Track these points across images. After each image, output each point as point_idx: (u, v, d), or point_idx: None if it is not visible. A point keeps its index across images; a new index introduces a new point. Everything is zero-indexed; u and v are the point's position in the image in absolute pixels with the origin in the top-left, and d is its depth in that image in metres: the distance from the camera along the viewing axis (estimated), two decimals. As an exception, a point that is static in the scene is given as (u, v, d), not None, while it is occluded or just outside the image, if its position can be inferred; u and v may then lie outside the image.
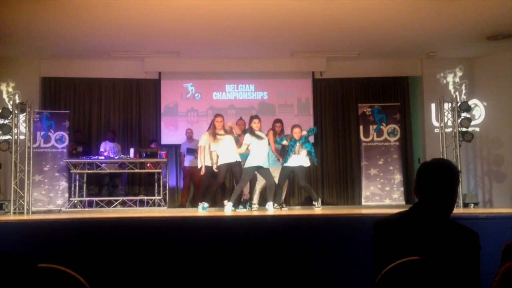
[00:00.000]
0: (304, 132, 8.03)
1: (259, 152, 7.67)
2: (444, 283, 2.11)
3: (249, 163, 7.64)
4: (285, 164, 7.99)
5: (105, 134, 10.54)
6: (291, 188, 10.72)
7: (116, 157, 9.54)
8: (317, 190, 10.39)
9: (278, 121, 8.54)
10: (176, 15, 7.94)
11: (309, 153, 8.00)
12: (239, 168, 7.83)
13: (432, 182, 2.40)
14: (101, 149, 9.89)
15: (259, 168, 7.70)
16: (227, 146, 7.69)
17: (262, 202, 8.33)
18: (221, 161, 7.69)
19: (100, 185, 10.23)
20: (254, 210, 7.89)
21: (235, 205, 7.75)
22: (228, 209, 7.52)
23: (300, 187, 8.21)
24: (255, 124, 7.75)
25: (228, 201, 7.70)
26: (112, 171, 9.73)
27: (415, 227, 2.35)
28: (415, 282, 2.13)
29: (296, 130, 8.01)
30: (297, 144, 7.92)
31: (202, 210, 7.66)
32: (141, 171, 9.64)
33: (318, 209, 7.92)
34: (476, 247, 2.26)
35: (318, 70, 10.91)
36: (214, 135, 7.74)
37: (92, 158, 9.43)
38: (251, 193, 8.38)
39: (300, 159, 7.95)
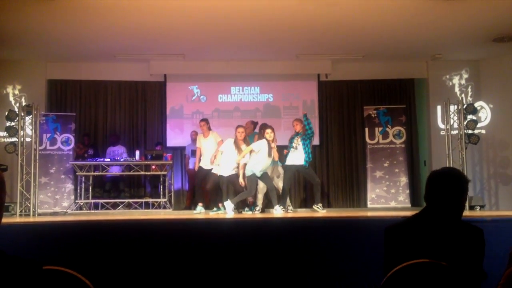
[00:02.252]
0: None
1: (265, 160, 7.71)
2: (449, 286, 2.13)
3: (248, 170, 7.67)
4: (286, 163, 7.98)
5: (111, 137, 10.59)
6: (296, 190, 10.72)
7: (121, 159, 9.56)
8: (322, 192, 10.35)
9: (269, 127, 8.05)
10: (181, 17, 7.95)
11: (305, 151, 7.94)
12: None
13: (440, 190, 2.50)
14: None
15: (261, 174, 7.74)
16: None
17: (268, 204, 8.32)
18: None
19: (104, 191, 10.23)
20: (258, 213, 7.91)
21: (241, 208, 7.80)
22: (229, 207, 7.53)
23: (314, 185, 8.15)
24: (268, 135, 7.74)
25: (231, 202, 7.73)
26: (115, 173, 9.73)
27: (425, 231, 2.46)
28: (420, 285, 2.16)
29: (297, 122, 8.07)
30: (296, 137, 7.92)
31: (212, 213, 7.84)
32: (146, 173, 9.66)
33: (323, 212, 7.90)
34: (481, 242, 2.44)
35: (324, 72, 10.89)
36: (239, 147, 7.80)
37: (98, 160, 9.46)
38: (254, 196, 8.37)
39: (300, 156, 7.90)
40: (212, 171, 7.92)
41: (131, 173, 9.63)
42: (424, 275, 2.18)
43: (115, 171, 9.78)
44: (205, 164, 8.22)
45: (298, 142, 7.91)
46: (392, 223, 2.61)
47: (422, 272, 2.18)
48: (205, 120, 8.60)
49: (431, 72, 10.79)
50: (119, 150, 10.07)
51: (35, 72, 10.35)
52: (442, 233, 2.43)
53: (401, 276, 2.19)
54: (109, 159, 9.54)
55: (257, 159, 7.58)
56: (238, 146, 7.76)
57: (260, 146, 7.61)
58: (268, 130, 7.74)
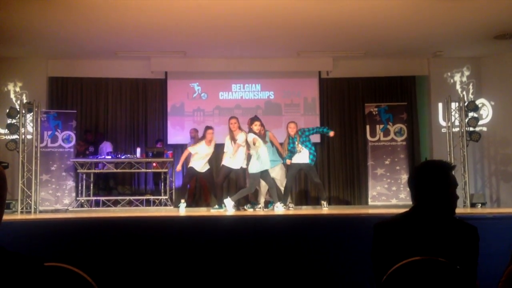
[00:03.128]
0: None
1: (264, 147, 7.69)
2: (448, 282, 2.12)
3: (257, 167, 7.65)
4: (292, 162, 7.99)
5: (112, 134, 10.62)
6: (298, 187, 10.72)
7: (123, 157, 9.56)
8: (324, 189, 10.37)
9: (257, 119, 8.01)
10: (182, 15, 7.95)
11: (310, 150, 7.94)
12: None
13: (423, 186, 2.46)
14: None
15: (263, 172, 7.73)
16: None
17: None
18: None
19: (99, 189, 10.23)
20: (259, 210, 7.92)
21: (243, 204, 7.82)
22: (229, 204, 7.54)
23: (314, 184, 8.17)
24: (256, 127, 7.73)
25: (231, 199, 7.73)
26: (118, 170, 9.74)
27: (417, 228, 2.41)
28: (420, 282, 2.15)
29: (291, 125, 8.05)
30: (295, 142, 7.92)
31: (213, 210, 7.90)
32: (147, 170, 9.66)
33: (325, 209, 7.92)
34: (475, 239, 2.37)
35: (325, 70, 10.88)
36: (233, 138, 7.83)
37: (99, 157, 9.47)
38: (256, 194, 8.37)
39: (305, 156, 7.91)
40: (223, 163, 7.97)
41: (132, 170, 9.64)
42: (422, 273, 2.16)
43: (102, 168, 9.77)
44: (197, 166, 8.25)
45: (300, 147, 7.90)
46: (382, 219, 2.56)
47: (423, 270, 2.16)
48: (212, 128, 8.42)
49: (432, 69, 10.77)
50: (104, 146, 10.08)
51: (36, 70, 10.34)
52: (433, 231, 2.38)
53: (402, 273, 2.17)
54: (110, 157, 9.54)
55: (260, 151, 7.59)
56: (233, 138, 7.82)
57: (256, 136, 7.65)
58: (257, 123, 7.77)
